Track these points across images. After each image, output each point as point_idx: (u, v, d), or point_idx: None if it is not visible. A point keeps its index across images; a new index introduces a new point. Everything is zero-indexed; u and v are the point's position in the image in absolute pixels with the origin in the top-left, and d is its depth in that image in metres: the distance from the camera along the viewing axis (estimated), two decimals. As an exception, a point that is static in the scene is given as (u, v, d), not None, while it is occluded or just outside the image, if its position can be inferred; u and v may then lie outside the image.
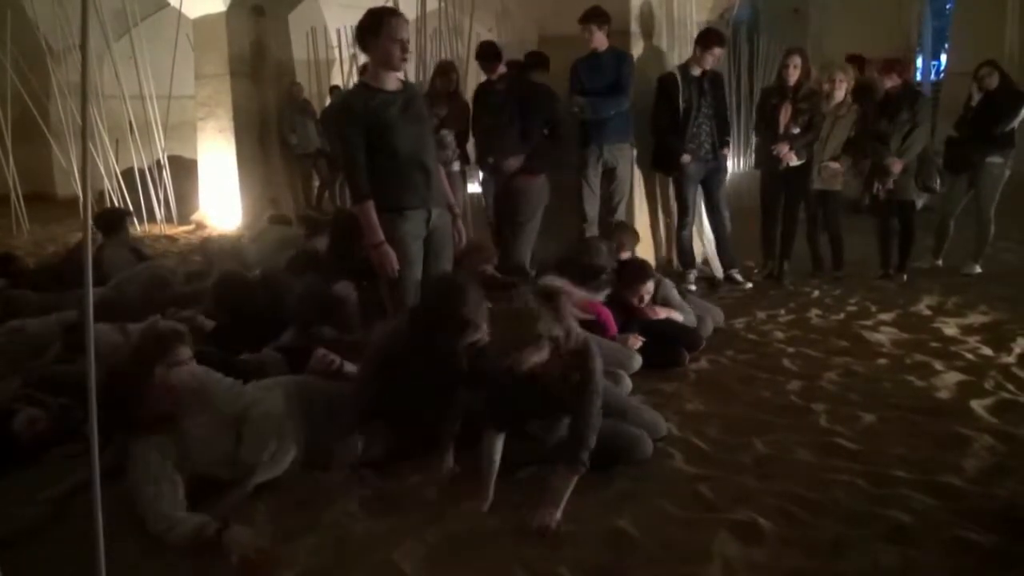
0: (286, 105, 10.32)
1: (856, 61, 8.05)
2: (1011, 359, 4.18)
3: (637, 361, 3.99)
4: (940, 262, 6.34)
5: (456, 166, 6.46)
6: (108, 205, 9.34)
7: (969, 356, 4.25)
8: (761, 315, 5.23)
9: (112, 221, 5.96)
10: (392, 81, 3.44)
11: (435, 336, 2.96)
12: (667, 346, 4.19)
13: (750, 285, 5.89)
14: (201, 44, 9.91)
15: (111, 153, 9.48)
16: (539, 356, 2.65)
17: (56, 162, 10.60)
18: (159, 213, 9.76)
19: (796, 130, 5.83)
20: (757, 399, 3.76)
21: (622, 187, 5.79)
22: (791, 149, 5.82)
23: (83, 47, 2.27)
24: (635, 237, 5.32)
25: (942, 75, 13.52)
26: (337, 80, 12.44)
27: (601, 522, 2.59)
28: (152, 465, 2.67)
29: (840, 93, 5.90)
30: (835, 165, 5.97)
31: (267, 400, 2.97)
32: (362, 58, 13.33)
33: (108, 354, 3.55)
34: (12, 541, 2.63)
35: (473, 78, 7.75)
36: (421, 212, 3.49)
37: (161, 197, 9.79)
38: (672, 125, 5.81)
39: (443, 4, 8.35)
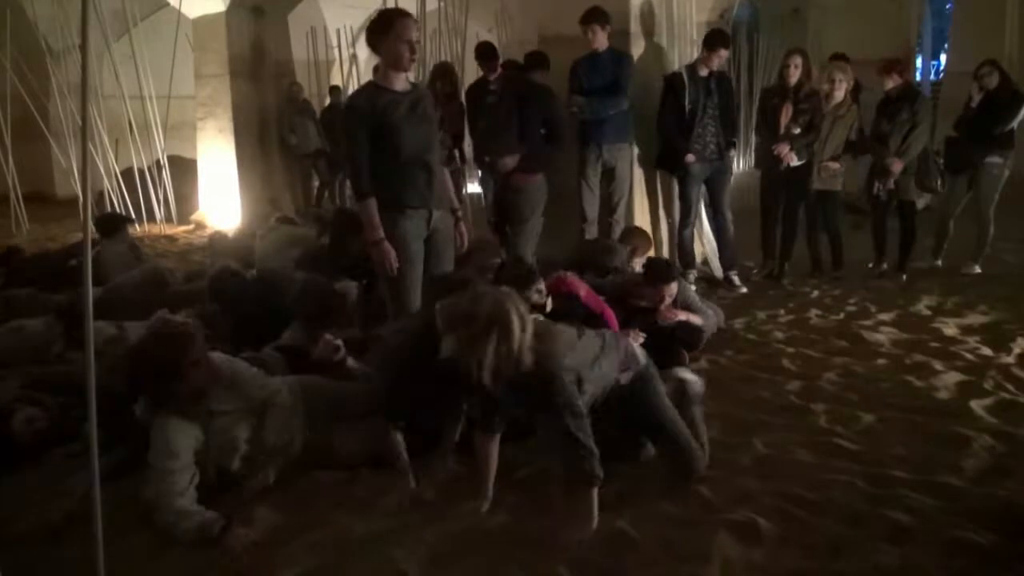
0: (286, 105, 10.32)
1: (841, 60, 8.04)
2: (1011, 359, 4.18)
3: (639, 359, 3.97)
4: (940, 262, 6.34)
5: (453, 165, 6.48)
6: (108, 205, 9.35)
7: (969, 356, 4.26)
8: (761, 315, 5.23)
9: (112, 224, 6.01)
10: (401, 81, 3.47)
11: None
12: (667, 344, 4.18)
13: (744, 290, 5.89)
14: (201, 44, 9.91)
15: (111, 153, 9.48)
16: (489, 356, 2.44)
17: (56, 162, 10.59)
18: (159, 213, 9.75)
19: (796, 130, 5.83)
20: (757, 399, 3.76)
21: (621, 187, 5.79)
22: (791, 149, 5.82)
23: (83, 47, 2.26)
24: (649, 241, 5.35)
25: (942, 75, 13.53)
26: (337, 80, 12.44)
27: (601, 522, 2.59)
28: (172, 447, 2.67)
29: (840, 93, 5.91)
30: (835, 165, 5.98)
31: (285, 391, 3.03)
32: (361, 58, 13.37)
33: (104, 344, 3.59)
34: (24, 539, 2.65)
35: (471, 78, 7.76)
36: (422, 212, 3.50)
37: (161, 197, 9.78)
38: (678, 125, 5.81)
39: (443, 4, 8.36)
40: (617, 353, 2.81)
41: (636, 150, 5.98)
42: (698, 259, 6.32)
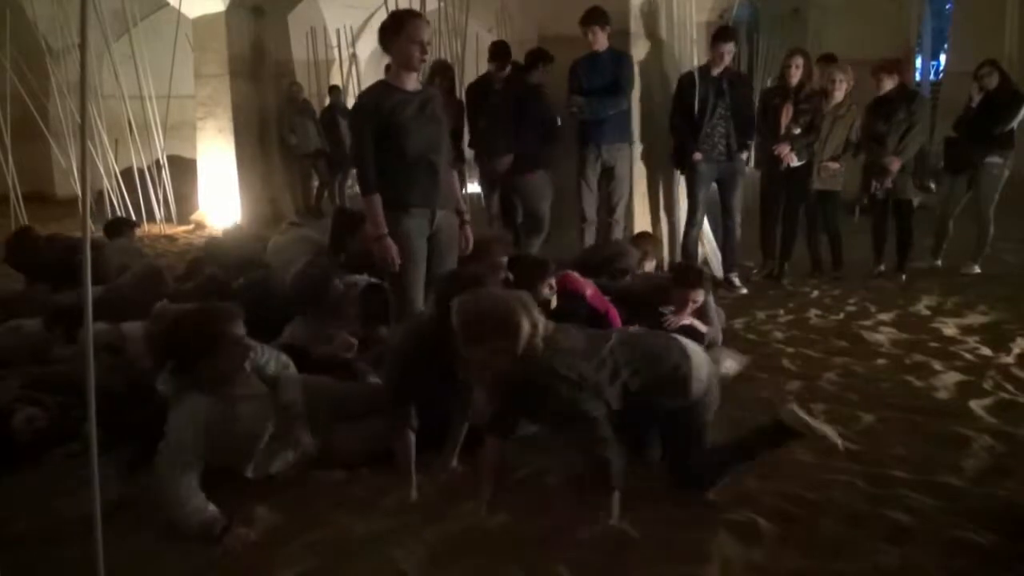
0: (285, 105, 10.32)
1: (828, 61, 8.06)
2: (1010, 359, 4.18)
3: None
4: (939, 262, 6.35)
5: (457, 165, 6.50)
6: (107, 205, 9.36)
7: (968, 356, 4.26)
8: (760, 315, 5.24)
9: (116, 227, 6.11)
10: (412, 81, 3.50)
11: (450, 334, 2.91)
12: None
13: (744, 291, 5.88)
14: (200, 44, 9.90)
15: (110, 153, 9.48)
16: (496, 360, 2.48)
17: (55, 162, 10.59)
18: (158, 213, 9.75)
19: (797, 131, 5.83)
20: (756, 399, 3.76)
21: (621, 187, 5.79)
22: (792, 150, 5.82)
23: (82, 47, 2.26)
24: (659, 245, 5.37)
25: (941, 75, 13.53)
26: (337, 80, 12.45)
27: (600, 522, 2.59)
28: (194, 421, 2.68)
29: (839, 93, 5.91)
30: (834, 165, 5.98)
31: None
32: (361, 58, 13.29)
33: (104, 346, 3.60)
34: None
35: (471, 78, 7.76)
36: (425, 211, 3.52)
37: (160, 197, 9.78)
38: (686, 124, 5.80)
39: (443, 4, 8.36)
40: (633, 351, 2.69)
41: (639, 149, 5.99)
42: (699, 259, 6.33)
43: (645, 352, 2.70)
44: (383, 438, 3.03)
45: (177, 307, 3.76)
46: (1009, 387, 3.77)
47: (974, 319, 4.98)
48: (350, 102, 11.80)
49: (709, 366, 2.80)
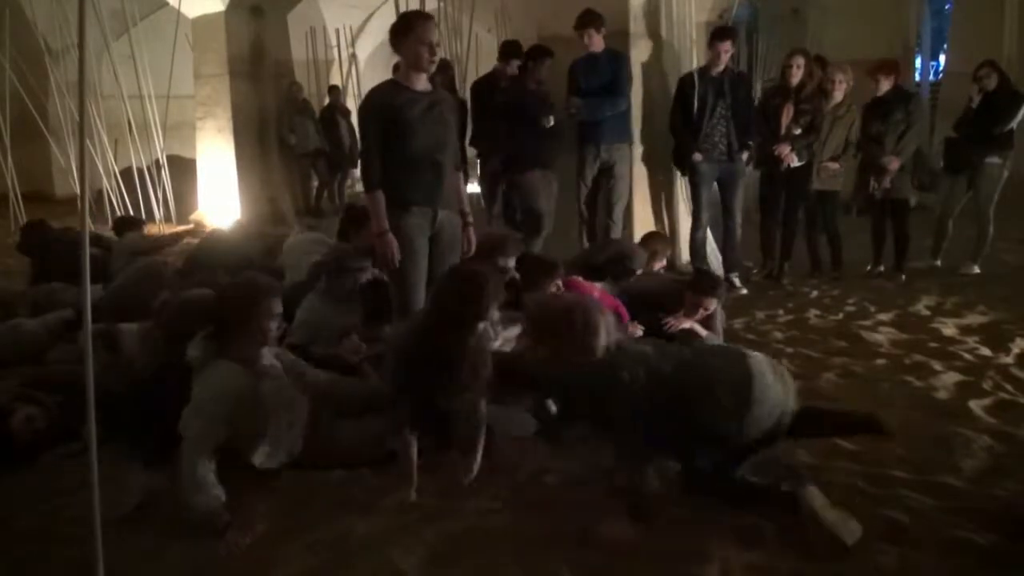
0: (285, 105, 10.32)
1: (818, 62, 8.08)
2: (1010, 359, 4.18)
3: None
4: (939, 262, 6.35)
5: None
6: (107, 204, 9.36)
7: (968, 356, 4.26)
8: (760, 315, 5.24)
9: (125, 223, 6.17)
10: (421, 82, 3.52)
11: (449, 330, 2.92)
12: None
13: (745, 291, 5.89)
14: (200, 44, 9.90)
15: (110, 153, 9.47)
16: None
17: (55, 161, 10.59)
18: (158, 213, 9.74)
19: (797, 131, 5.83)
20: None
21: (620, 187, 5.79)
22: (792, 150, 5.82)
23: (81, 46, 2.26)
24: (668, 245, 5.37)
25: (941, 75, 13.53)
26: (336, 80, 12.45)
27: (600, 522, 2.59)
28: (224, 387, 2.81)
29: (839, 94, 5.92)
30: (834, 165, 5.99)
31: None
32: (361, 58, 13.27)
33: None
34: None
35: (471, 78, 7.77)
36: (427, 210, 3.53)
37: (160, 197, 9.77)
38: (686, 124, 5.80)
39: (443, 4, 8.36)
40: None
41: (639, 150, 5.99)
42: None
43: (708, 378, 2.61)
44: (383, 438, 3.03)
45: (186, 295, 3.76)
46: (1008, 387, 3.77)
47: (973, 319, 4.98)
48: (350, 102, 11.83)
49: (780, 405, 2.62)
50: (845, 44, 10.26)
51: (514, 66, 6.10)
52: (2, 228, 9.47)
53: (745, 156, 5.94)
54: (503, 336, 3.84)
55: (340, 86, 11.79)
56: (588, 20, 5.50)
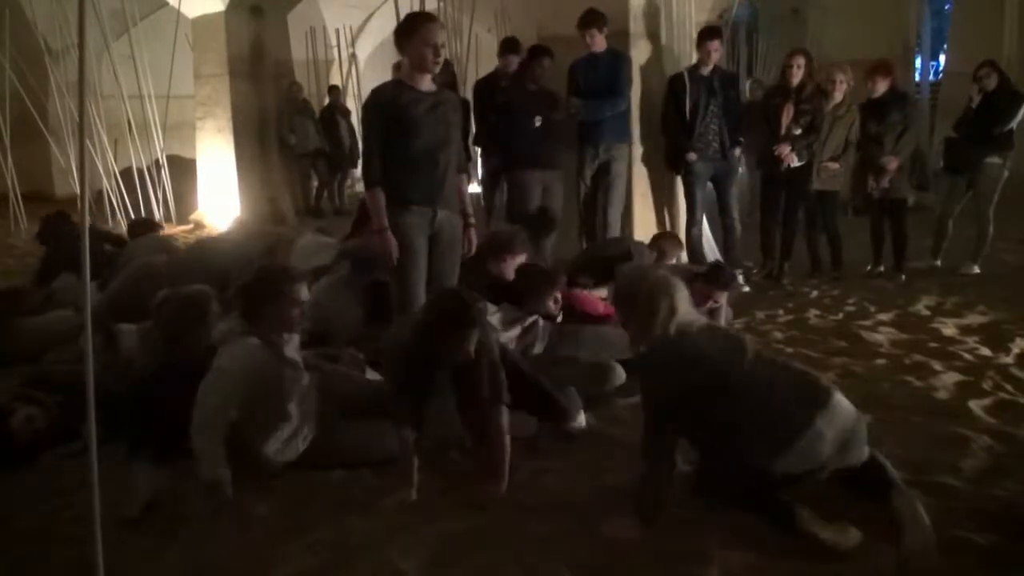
0: (285, 105, 10.32)
1: None
2: (1009, 359, 4.18)
3: None
4: (939, 262, 6.35)
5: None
6: (107, 204, 9.37)
7: (968, 356, 4.26)
8: (760, 315, 5.24)
9: (140, 226, 6.17)
10: (426, 83, 3.53)
11: (438, 351, 2.93)
12: None
13: (747, 288, 5.89)
14: (200, 44, 9.90)
15: (110, 153, 9.48)
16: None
17: (55, 161, 10.60)
18: (158, 213, 9.75)
19: (798, 131, 5.84)
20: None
21: (619, 187, 5.79)
22: (792, 150, 5.82)
23: (81, 46, 2.26)
24: (679, 246, 5.37)
25: (941, 75, 13.53)
26: (336, 80, 12.46)
27: (600, 522, 2.59)
28: (250, 359, 2.89)
29: (839, 94, 5.92)
30: (834, 165, 5.99)
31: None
32: (361, 58, 13.24)
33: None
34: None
35: (471, 78, 7.77)
36: (426, 209, 3.53)
37: (160, 197, 9.78)
38: (679, 124, 5.82)
39: (443, 4, 8.36)
40: None
41: (639, 150, 5.98)
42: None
43: (772, 394, 2.51)
44: (383, 438, 3.03)
45: (184, 291, 3.76)
46: (1008, 387, 3.76)
47: (973, 319, 4.98)
48: (350, 102, 11.84)
49: (824, 457, 2.49)
50: (845, 44, 10.28)
51: (513, 62, 6.11)
52: (2, 228, 9.47)
53: (737, 153, 5.97)
54: (505, 337, 3.84)
55: (340, 86, 11.80)
56: (591, 19, 5.50)
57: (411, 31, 3.43)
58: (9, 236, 9.20)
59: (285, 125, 10.28)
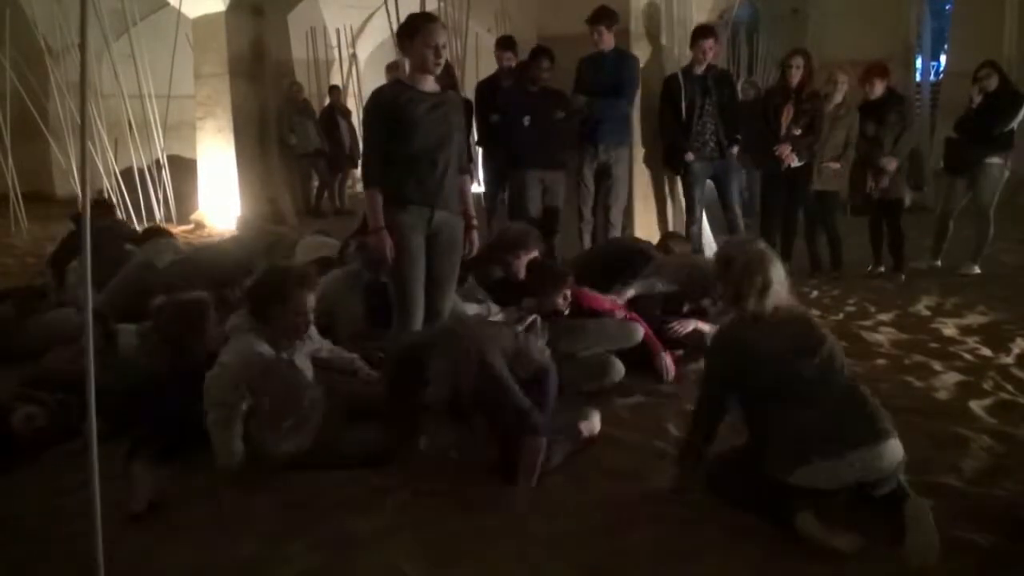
0: (285, 105, 10.32)
1: None
2: (1010, 360, 4.18)
3: (638, 334, 3.99)
4: (939, 262, 6.35)
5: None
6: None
7: (968, 357, 4.26)
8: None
9: (153, 233, 6.15)
10: (428, 83, 3.53)
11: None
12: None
13: None
14: (200, 44, 9.90)
15: (110, 152, 9.47)
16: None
17: (55, 161, 10.59)
18: (158, 213, 9.75)
19: (797, 131, 5.84)
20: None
21: (618, 188, 5.79)
22: (792, 150, 5.83)
23: (82, 46, 2.26)
24: (686, 244, 5.40)
25: (941, 75, 13.52)
26: (336, 80, 12.46)
27: (601, 522, 2.59)
28: (251, 351, 2.94)
29: (839, 95, 5.93)
30: (835, 165, 6.00)
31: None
32: (361, 58, 13.21)
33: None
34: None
35: (471, 77, 7.77)
36: (423, 209, 3.53)
37: (160, 197, 9.78)
38: (676, 124, 5.82)
39: (443, 4, 8.36)
40: None
41: (641, 151, 5.98)
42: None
43: (823, 410, 2.49)
44: (382, 440, 3.04)
45: (183, 297, 3.77)
46: (1009, 387, 3.77)
47: (974, 319, 4.98)
48: (350, 102, 11.84)
49: (880, 477, 2.48)
50: (845, 44, 10.26)
51: (508, 59, 6.13)
52: (2, 228, 9.47)
53: (735, 151, 5.99)
54: None
55: (340, 86, 11.80)
56: (601, 17, 5.49)
57: (412, 32, 3.44)
58: (9, 236, 9.20)
59: (285, 125, 10.27)
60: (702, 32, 5.89)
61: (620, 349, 3.93)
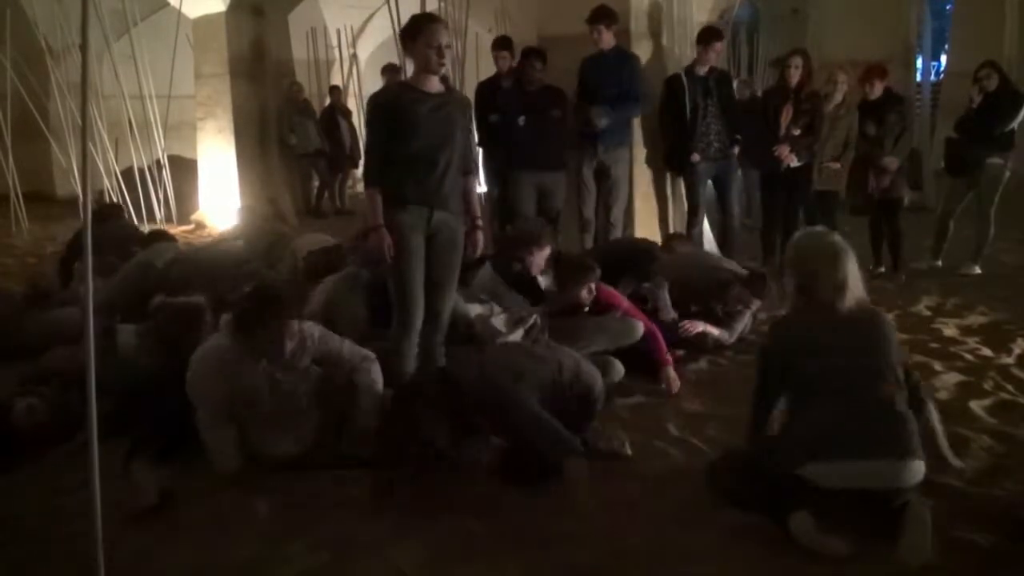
0: (285, 105, 10.31)
1: (776, 64, 8.15)
2: (1010, 360, 4.18)
3: (639, 330, 3.99)
4: (939, 262, 6.35)
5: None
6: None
7: (968, 357, 4.26)
8: (761, 315, 5.21)
9: (157, 236, 6.18)
10: (433, 84, 3.53)
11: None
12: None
13: None
14: (201, 44, 9.90)
15: (111, 152, 9.47)
16: None
17: (56, 161, 10.59)
18: (159, 213, 9.75)
19: (796, 131, 5.84)
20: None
21: (618, 189, 5.78)
22: (791, 151, 5.83)
23: (83, 47, 2.27)
24: (690, 245, 5.38)
25: (941, 75, 13.52)
26: (337, 80, 12.46)
27: (601, 522, 2.59)
28: (207, 360, 3.00)
29: (839, 95, 5.93)
30: (835, 165, 6.00)
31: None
32: (361, 58, 13.17)
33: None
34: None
35: (471, 78, 7.76)
36: (422, 209, 3.52)
37: (161, 197, 9.78)
38: (680, 125, 5.82)
39: (443, 4, 8.36)
40: None
41: (641, 151, 5.97)
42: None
43: (857, 413, 2.48)
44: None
45: (181, 301, 3.78)
46: (1009, 387, 3.77)
47: (974, 319, 4.98)
48: (350, 102, 11.83)
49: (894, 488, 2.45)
50: (845, 44, 10.26)
51: (504, 57, 6.15)
52: (2, 228, 9.48)
53: (736, 151, 5.99)
54: (511, 337, 3.84)
55: (341, 86, 11.79)
56: (600, 16, 5.49)
57: (415, 33, 3.44)
58: (10, 236, 9.20)
59: (286, 125, 10.27)
60: (714, 35, 5.86)
61: (620, 347, 3.93)
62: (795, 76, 5.84)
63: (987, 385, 3.80)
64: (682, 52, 6.47)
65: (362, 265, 4.23)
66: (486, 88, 6.49)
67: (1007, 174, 6.01)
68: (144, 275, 4.98)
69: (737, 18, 12.31)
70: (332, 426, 3.10)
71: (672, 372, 3.91)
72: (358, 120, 11.27)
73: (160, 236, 6.14)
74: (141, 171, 9.64)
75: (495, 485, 2.87)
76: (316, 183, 10.88)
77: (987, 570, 2.32)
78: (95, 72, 9.42)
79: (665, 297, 4.39)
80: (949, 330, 4.77)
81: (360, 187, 8.46)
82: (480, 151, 6.91)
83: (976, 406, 3.54)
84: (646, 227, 6.08)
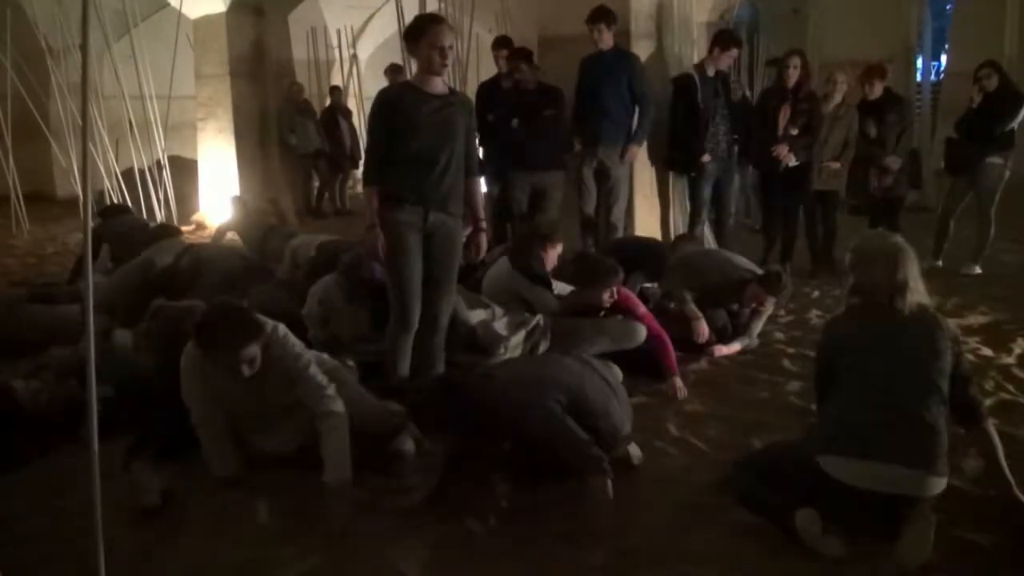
0: (286, 105, 10.31)
1: (773, 64, 8.17)
2: (1011, 360, 4.18)
3: (641, 333, 3.99)
4: (940, 263, 6.34)
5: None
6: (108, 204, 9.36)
7: (969, 357, 4.24)
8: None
9: (164, 231, 6.22)
10: (436, 85, 3.53)
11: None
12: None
13: None
14: (201, 44, 9.90)
15: (111, 153, 9.46)
16: None
17: (56, 162, 10.58)
18: (159, 213, 9.74)
19: (794, 132, 5.84)
20: (756, 400, 3.76)
21: (618, 189, 5.79)
22: (790, 150, 5.83)
23: (83, 47, 2.27)
24: (699, 246, 5.40)
25: (941, 75, 13.52)
26: (337, 80, 12.45)
27: (601, 522, 2.59)
28: (186, 371, 3.00)
29: (839, 95, 5.93)
30: (835, 165, 6.01)
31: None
32: (361, 58, 13.16)
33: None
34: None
35: (472, 78, 7.77)
36: (418, 209, 3.52)
37: (161, 197, 9.76)
38: (691, 125, 5.82)
39: (443, 4, 8.36)
40: None
41: (642, 151, 5.98)
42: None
43: (890, 418, 2.49)
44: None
45: (178, 305, 3.79)
46: (1010, 388, 3.77)
47: (975, 319, 4.98)
48: (351, 103, 11.83)
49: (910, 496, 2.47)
50: (845, 44, 10.28)
51: (505, 56, 6.17)
52: (2, 228, 9.48)
53: (736, 151, 6.02)
54: (512, 341, 3.84)
55: (341, 87, 11.79)
56: (599, 16, 5.49)
57: (419, 34, 3.45)
58: (10, 236, 9.20)
59: (286, 126, 10.27)
60: (734, 41, 5.88)
61: (623, 350, 3.92)
62: (793, 76, 5.85)
63: (988, 385, 3.80)
64: (682, 52, 6.47)
65: (350, 265, 4.19)
66: (486, 88, 6.50)
67: (1007, 174, 6.01)
68: (145, 274, 4.98)
69: (737, 18, 12.30)
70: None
71: (679, 382, 3.87)
72: (358, 120, 11.27)
73: (167, 230, 6.17)
74: (141, 171, 9.63)
75: (495, 485, 2.86)
76: (316, 183, 10.89)
77: (987, 570, 2.32)
78: (95, 72, 9.42)
79: (688, 300, 4.38)
80: (949, 330, 4.77)
81: (360, 187, 8.46)
82: (481, 151, 6.94)
83: (976, 406, 3.53)
84: (646, 227, 6.09)
